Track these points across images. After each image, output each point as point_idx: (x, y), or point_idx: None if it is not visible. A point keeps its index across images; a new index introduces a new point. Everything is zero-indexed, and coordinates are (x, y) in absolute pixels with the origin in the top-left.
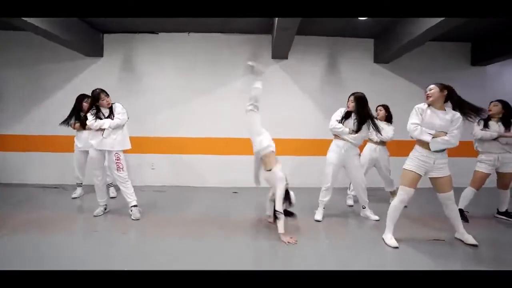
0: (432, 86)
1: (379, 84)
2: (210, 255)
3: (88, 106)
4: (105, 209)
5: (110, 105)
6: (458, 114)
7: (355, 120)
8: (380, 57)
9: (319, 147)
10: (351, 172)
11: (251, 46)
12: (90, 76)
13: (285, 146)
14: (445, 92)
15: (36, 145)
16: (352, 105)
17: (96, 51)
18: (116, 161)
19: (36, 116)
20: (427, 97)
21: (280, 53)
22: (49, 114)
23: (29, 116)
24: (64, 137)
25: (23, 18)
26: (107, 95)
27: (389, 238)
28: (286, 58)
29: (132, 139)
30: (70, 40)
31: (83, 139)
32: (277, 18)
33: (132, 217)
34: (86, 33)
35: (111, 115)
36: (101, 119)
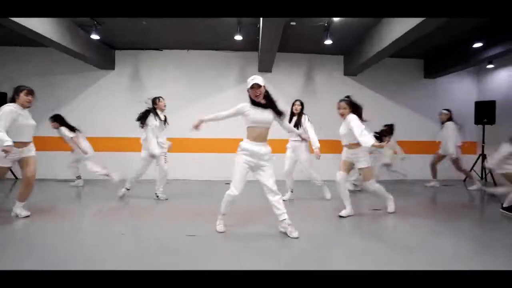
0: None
1: (348, 93)
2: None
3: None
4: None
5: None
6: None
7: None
8: (349, 71)
9: None
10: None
11: (241, 61)
12: (103, 86)
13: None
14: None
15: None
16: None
17: (109, 64)
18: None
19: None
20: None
21: (265, 67)
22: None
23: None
24: None
25: (46, 36)
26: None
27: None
28: (271, 71)
29: (138, 140)
30: (87, 55)
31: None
32: (260, 40)
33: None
34: (100, 49)
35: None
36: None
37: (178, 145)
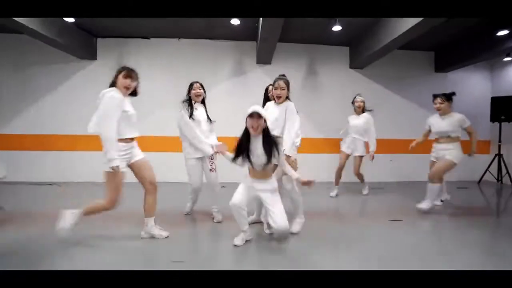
0: None
1: (354, 88)
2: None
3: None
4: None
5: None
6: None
7: None
8: (355, 63)
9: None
10: None
11: (237, 51)
12: (83, 78)
13: None
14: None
15: (27, 145)
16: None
17: (90, 54)
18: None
19: (28, 116)
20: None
21: (264, 59)
22: (40, 115)
23: (20, 116)
24: (56, 136)
25: (20, 21)
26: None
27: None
28: (270, 63)
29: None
30: (64, 43)
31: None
32: (260, 28)
33: None
34: (79, 37)
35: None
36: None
37: (169, 144)
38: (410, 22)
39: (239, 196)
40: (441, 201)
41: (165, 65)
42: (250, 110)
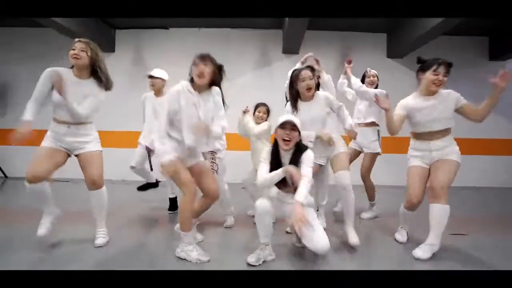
0: None
1: (393, 80)
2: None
3: None
4: None
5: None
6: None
7: None
8: (394, 52)
9: None
10: None
11: (261, 41)
12: None
13: None
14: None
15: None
16: None
17: (108, 46)
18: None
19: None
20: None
21: (291, 48)
22: None
23: (43, 110)
24: None
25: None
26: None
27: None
28: (297, 53)
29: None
30: (83, 35)
31: None
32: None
33: None
34: (98, 29)
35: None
36: None
37: None
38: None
39: (266, 200)
40: None
41: (185, 57)
42: (281, 120)
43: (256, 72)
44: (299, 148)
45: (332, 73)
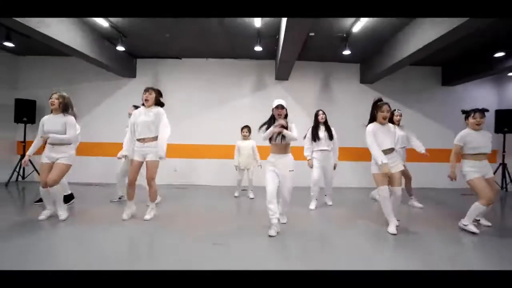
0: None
1: (365, 101)
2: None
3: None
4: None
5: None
6: None
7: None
8: (365, 79)
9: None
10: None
11: (258, 69)
12: (125, 93)
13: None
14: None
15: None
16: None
17: (130, 72)
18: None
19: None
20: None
21: (282, 75)
22: (89, 126)
23: None
24: (100, 144)
25: (72, 46)
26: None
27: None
28: (287, 79)
29: None
30: (111, 66)
31: None
32: (279, 53)
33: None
34: (123, 59)
35: None
36: None
37: (195, 151)
38: (418, 44)
39: (272, 186)
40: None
41: (195, 82)
42: (276, 103)
43: (254, 95)
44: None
45: (316, 96)
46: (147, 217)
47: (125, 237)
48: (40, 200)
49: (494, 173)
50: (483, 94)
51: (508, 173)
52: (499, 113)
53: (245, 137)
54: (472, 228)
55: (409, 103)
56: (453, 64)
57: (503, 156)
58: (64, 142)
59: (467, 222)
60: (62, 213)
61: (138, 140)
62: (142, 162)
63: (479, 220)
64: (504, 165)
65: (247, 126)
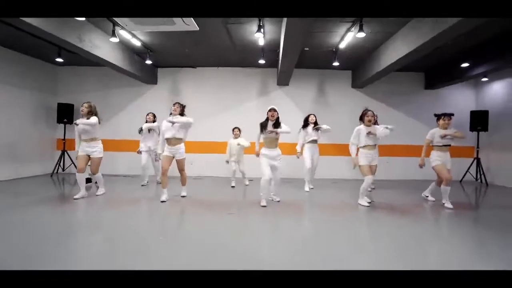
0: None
1: (356, 104)
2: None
3: None
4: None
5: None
6: None
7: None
8: (356, 84)
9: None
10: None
11: (262, 76)
12: (148, 98)
13: (285, 149)
14: None
15: (109, 146)
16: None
17: (152, 80)
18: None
19: (108, 126)
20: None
21: (283, 81)
22: (116, 125)
23: (103, 126)
24: (127, 141)
25: (111, 62)
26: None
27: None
28: (288, 85)
29: None
30: (138, 74)
31: None
32: (279, 64)
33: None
34: (148, 69)
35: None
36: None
37: (211, 147)
38: (402, 51)
39: (268, 171)
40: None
41: (208, 87)
42: (270, 107)
43: (259, 99)
44: (278, 122)
45: (312, 100)
46: (183, 193)
47: (167, 211)
48: (89, 180)
49: (469, 167)
50: (461, 97)
51: (481, 167)
52: (474, 114)
53: (236, 136)
54: (430, 198)
55: (395, 105)
56: (434, 71)
57: (477, 151)
58: (88, 125)
59: (428, 194)
60: (101, 190)
61: (167, 140)
62: (172, 158)
63: (427, 196)
64: (478, 159)
65: (237, 127)
